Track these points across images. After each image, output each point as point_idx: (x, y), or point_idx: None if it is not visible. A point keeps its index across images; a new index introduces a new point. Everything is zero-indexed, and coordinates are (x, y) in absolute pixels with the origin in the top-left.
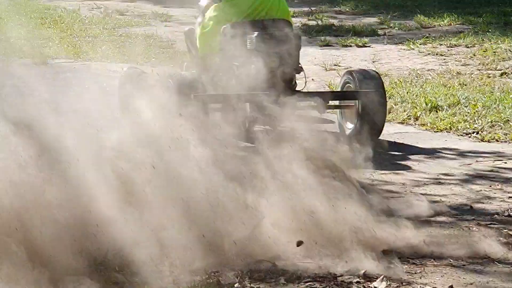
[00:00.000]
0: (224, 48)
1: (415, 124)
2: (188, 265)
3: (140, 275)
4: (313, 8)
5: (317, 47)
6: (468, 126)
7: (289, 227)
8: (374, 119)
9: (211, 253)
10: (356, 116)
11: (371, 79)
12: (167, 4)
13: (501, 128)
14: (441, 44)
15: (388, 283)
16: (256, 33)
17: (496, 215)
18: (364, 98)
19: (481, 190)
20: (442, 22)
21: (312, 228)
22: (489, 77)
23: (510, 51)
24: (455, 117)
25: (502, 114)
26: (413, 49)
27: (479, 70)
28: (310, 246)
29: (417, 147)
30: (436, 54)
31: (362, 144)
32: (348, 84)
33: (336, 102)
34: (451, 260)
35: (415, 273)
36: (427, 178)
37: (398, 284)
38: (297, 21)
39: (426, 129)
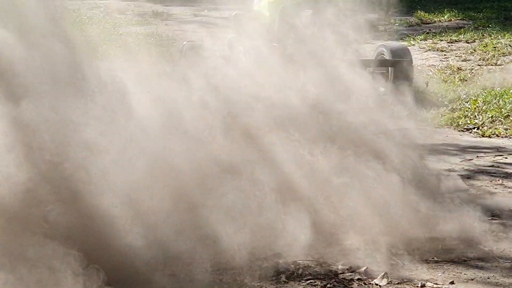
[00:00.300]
0: (281, 23)
1: (416, 120)
2: (188, 264)
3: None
4: None
5: None
6: (469, 122)
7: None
8: (408, 77)
9: (212, 251)
10: (390, 79)
11: (401, 50)
12: (167, 3)
13: (502, 123)
14: (442, 40)
15: (389, 279)
16: (309, 11)
17: (497, 210)
18: (400, 64)
19: (482, 185)
20: (442, 18)
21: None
22: (490, 72)
23: (510, 46)
24: (456, 112)
25: (502, 109)
26: (413, 45)
27: (480, 65)
28: (311, 243)
29: (418, 143)
30: (437, 50)
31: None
32: (382, 55)
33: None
34: (452, 255)
35: (416, 269)
36: None
37: (399, 281)
38: None
39: (427, 124)
